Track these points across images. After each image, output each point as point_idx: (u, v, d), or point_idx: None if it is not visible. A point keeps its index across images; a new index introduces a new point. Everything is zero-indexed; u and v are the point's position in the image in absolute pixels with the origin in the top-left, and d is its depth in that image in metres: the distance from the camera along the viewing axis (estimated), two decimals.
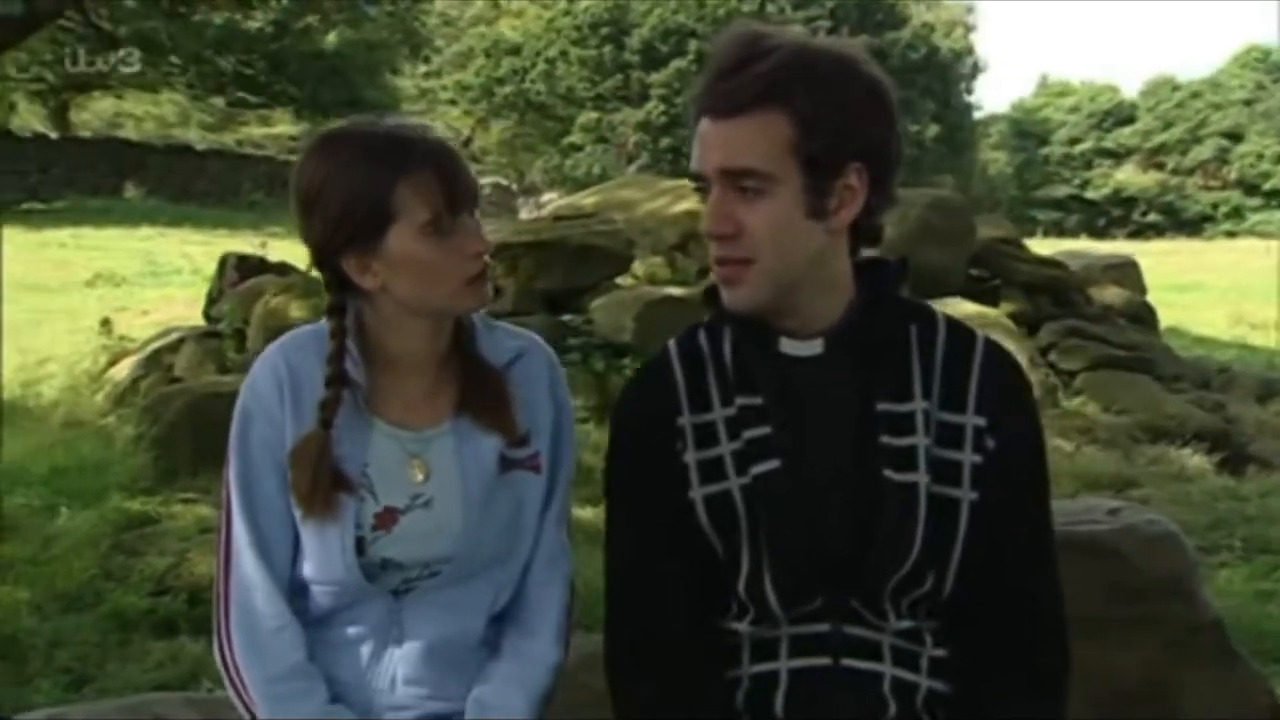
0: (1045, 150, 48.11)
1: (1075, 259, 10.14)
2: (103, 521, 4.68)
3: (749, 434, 1.58)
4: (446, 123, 40.32)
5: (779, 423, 1.58)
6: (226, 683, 1.67)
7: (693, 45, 34.35)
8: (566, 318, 6.78)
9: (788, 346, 1.60)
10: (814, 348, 1.60)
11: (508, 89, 35.97)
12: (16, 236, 14.50)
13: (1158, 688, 2.79)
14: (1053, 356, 7.66)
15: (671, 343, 1.69)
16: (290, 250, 6.27)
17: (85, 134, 25.28)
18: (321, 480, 1.63)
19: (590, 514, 3.42)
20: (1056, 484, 5.68)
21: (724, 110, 1.49)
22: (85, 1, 18.41)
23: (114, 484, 5.16)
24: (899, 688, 1.58)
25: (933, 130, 36.48)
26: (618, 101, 35.35)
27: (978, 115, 44.35)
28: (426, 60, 27.52)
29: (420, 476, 1.69)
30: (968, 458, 1.58)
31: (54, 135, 23.84)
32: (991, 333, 7.16)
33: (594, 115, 35.40)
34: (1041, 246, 11.18)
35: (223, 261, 7.15)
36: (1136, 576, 2.81)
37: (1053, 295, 8.23)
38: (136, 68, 21.95)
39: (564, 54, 35.38)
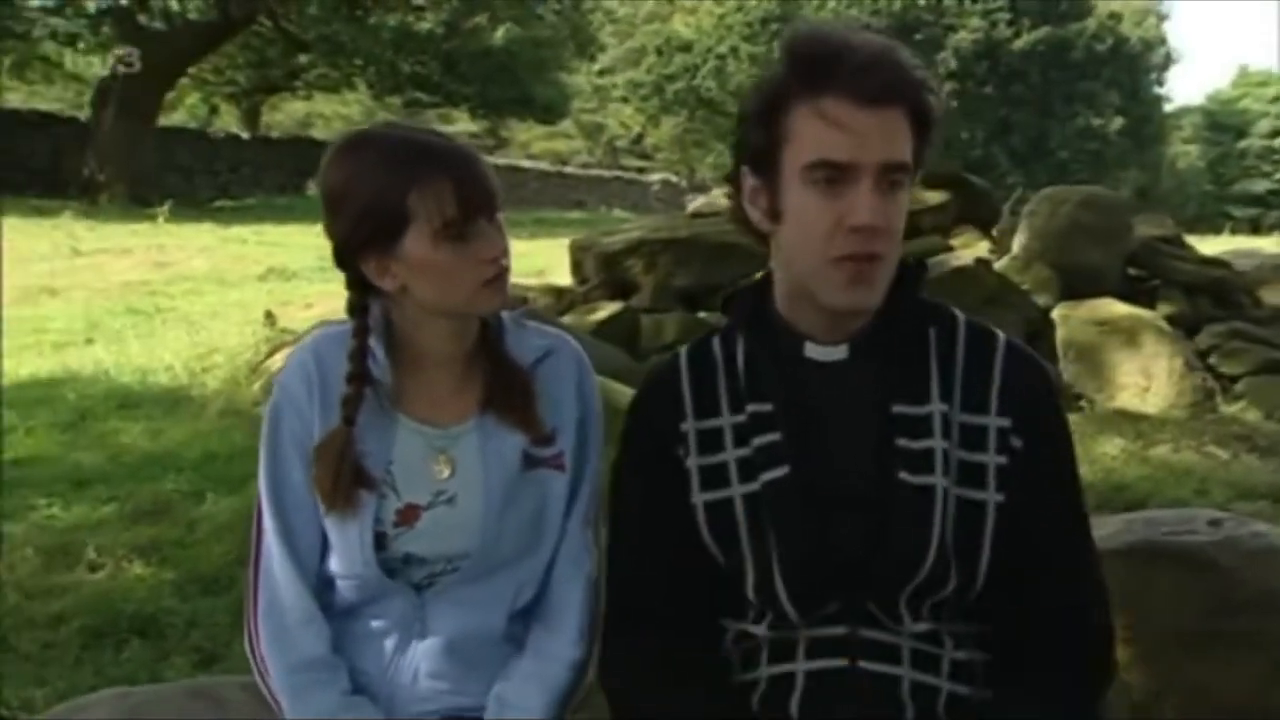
0: (1243, 144, 45.81)
1: (1248, 259, 9.64)
2: (245, 507, 4.88)
3: (759, 441, 1.59)
4: (620, 120, 40.81)
5: (790, 429, 1.58)
6: (255, 673, 1.73)
7: None
8: (703, 315, 6.79)
9: (813, 351, 1.60)
10: (839, 353, 1.60)
11: (679, 86, 36.09)
12: (205, 233, 15.28)
13: (1265, 709, 2.68)
14: (1212, 360, 7.31)
15: (682, 350, 1.71)
16: None
17: (274, 135, 26.45)
18: (344, 477, 1.66)
19: None
20: (1208, 493, 5.43)
21: (879, 99, 1.47)
22: (275, 7, 19.31)
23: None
24: (918, 691, 1.56)
25: (1117, 123, 35.11)
26: None
27: (1168, 107, 42.52)
28: (592, 59, 27.81)
29: (445, 473, 1.71)
30: (992, 459, 1.56)
31: (245, 136, 24.99)
32: (1144, 335, 6.93)
33: None
34: (1228, 244, 10.69)
35: None
36: (1239, 591, 2.69)
37: (1215, 296, 7.85)
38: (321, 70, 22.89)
39: (734, 50, 35.30)
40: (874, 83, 1.46)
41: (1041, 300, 7.41)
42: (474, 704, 1.72)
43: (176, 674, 3.46)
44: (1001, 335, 1.65)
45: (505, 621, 1.75)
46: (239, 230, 15.13)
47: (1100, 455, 6.02)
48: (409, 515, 1.70)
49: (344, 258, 1.68)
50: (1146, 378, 6.94)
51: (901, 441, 1.55)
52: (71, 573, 4.29)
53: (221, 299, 10.25)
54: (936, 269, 7.16)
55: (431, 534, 1.70)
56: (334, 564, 1.72)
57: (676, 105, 36.78)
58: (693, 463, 1.61)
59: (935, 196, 8.05)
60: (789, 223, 1.54)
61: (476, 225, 1.64)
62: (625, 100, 38.42)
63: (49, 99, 24.16)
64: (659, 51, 36.86)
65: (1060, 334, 7.21)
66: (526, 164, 32.33)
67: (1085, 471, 5.59)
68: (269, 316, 8.36)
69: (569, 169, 34.40)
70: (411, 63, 22.06)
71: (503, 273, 1.68)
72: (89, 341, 8.60)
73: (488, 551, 1.71)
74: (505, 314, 1.79)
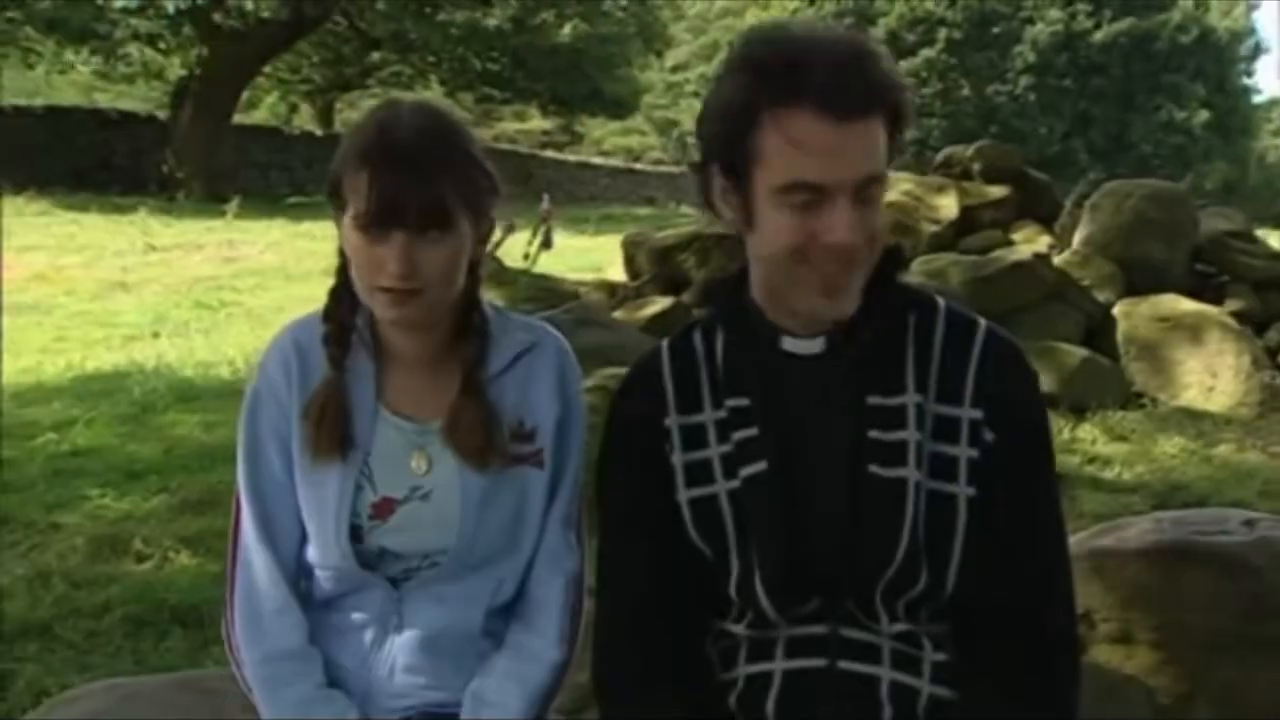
0: None
1: None
2: None
3: (738, 436, 1.56)
4: (693, 115, 40.54)
5: (767, 424, 1.55)
6: (231, 663, 1.72)
7: (942, 34, 33.47)
8: None
9: (790, 345, 1.57)
10: (816, 346, 1.56)
11: None
12: (275, 228, 15.54)
13: None
14: None
15: (664, 343, 1.67)
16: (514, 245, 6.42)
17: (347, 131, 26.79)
18: (328, 416, 1.65)
19: None
20: (1272, 495, 5.27)
21: (852, 113, 1.40)
22: (347, 5, 19.56)
23: None
24: (897, 692, 1.53)
25: (1202, 116, 34.32)
26: None
27: (1257, 100, 41.48)
28: (659, 54, 27.78)
29: (423, 468, 1.69)
30: (964, 452, 1.52)
31: (319, 133, 25.33)
32: (1209, 332, 6.78)
33: None
34: None
35: None
36: (1272, 593, 2.62)
37: None
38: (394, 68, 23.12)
39: None
40: (844, 96, 1.39)
41: (1103, 296, 7.26)
42: (450, 700, 1.71)
43: (215, 664, 3.49)
44: (983, 323, 1.60)
45: (483, 618, 1.73)
46: (309, 226, 15.31)
47: (1160, 454, 5.90)
48: (383, 509, 1.69)
49: (331, 204, 1.64)
50: (1211, 375, 6.77)
51: (874, 434, 1.52)
52: (119, 563, 4.36)
53: (286, 293, 10.39)
54: (993, 264, 7.05)
55: (406, 529, 1.69)
56: (311, 553, 1.72)
57: None
58: (677, 459, 1.59)
59: (996, 191, 7.95)
60: (762, 233, 1.49)
61: (389, 232, 1.56)
62: (697, 95, 38.37)
63: (134, 98, 24.69)
64: (731, 46, 36.72)
65: (1122, 330, 7.06)
66: (597, 160, 32.43)
67: (1142, 470, 5.58)
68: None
69: (639, 165, 34.44)
70: (482, 59, 22.20)
71: (402, 292, 1.59)
72: (155, 335, 8.77)
73: (466, 549, 1.69)
74: (489, 309, 1.76)
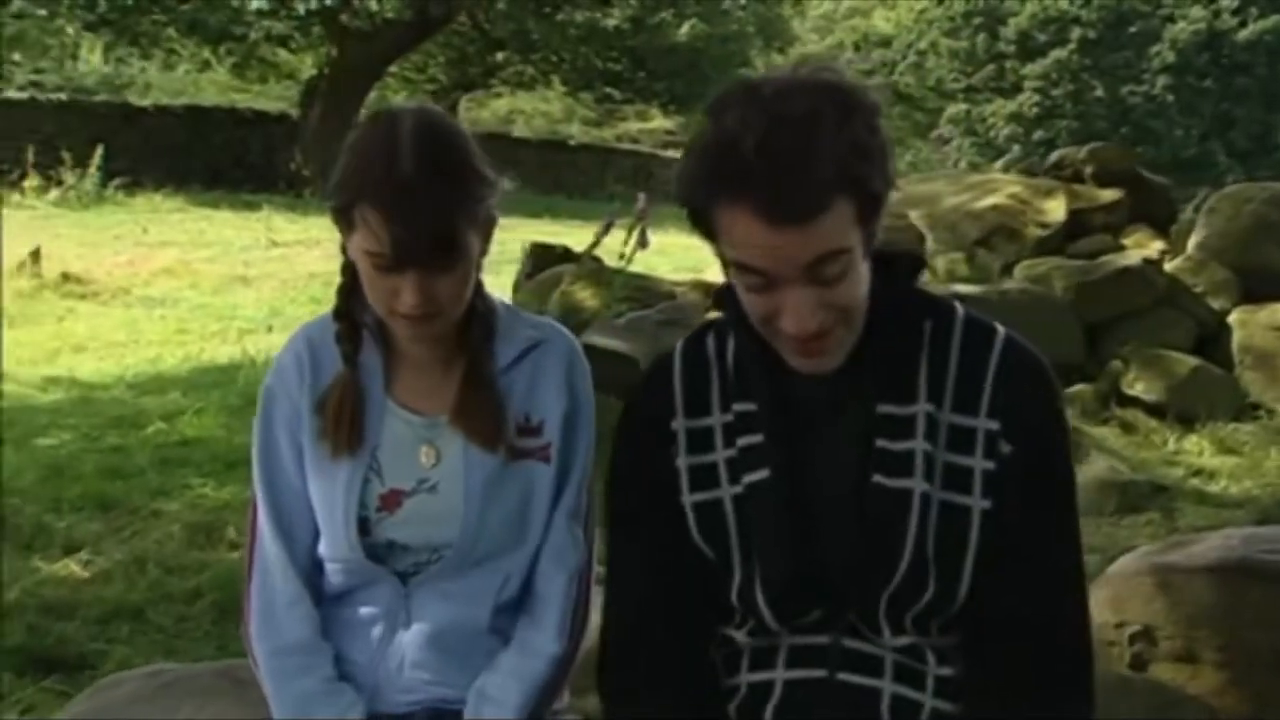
0: None
1: None
2: None
3: (743, 441, 1.55)
4: None
5: (772, 430, 1.54)
6: (248, 654, 1.76)
7: (1075, 33, 32.65)
8: None
9: None
10: None
11: (876, 81, 35.50)
12: None
13: None
14: None
15: (678, 344, 1.67)
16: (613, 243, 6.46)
17: (472, 130, 27.21)
18: (346, 409, 1.68)
19: None
20: None
21: (791, 219, 1.36)
22: (470, 5, 19.87)
23: None
24: (899, 706, 1.51)
25: None
26: (989, 93, 34.17)
27: None
28: (781, 51, 27.55)
29: (430, 461, 1.72)
30: (979, 464, 1.50)
31: None
32: None
33: (963, 107, 34.39)
34: None
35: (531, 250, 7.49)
36: None
37: None
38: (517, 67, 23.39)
39: (934, 45, 34.58)
40: (782, 207, 1.34)
41: (1217, 303, 7.01)
42: (457, 695, 1.72)
43: None
44: (1002, 331, 1.57)
45: (490, 613, 1.74)
46: None
47: (1270, 468, 5.70)
48: (391, 501, 1.71)
49: (334, 217, 1.66)
50: None
51: (881, 442, 1.50)
52: (212, 550, 4.52)
53: None
54: (1100, 270, 6.87)
55: (414, 521, 1.71)
56: (322, 548, 1.75)
57: None
58: (682, 462, 1.58)
59: (1108, 194, 7.73)
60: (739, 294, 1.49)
61: (402, 268, 1.58)
62: None
63: (273, 98, 25.41)
64: (856, 47, 36.38)
65: (1237, 339, 6.81)
66: None
67: (1250, 485, 5.38)
68: None
69: None
70: (602, 59, 22.32)
71: (417, 318, 1.62)
72: (269, 329, 9.00)
73: (469, 543, 1.71)
74: (498, 306, 1.78)
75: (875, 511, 1.49)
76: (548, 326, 1.81)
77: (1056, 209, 7.61)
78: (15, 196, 15.92)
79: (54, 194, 15.81)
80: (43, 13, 20.03)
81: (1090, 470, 5.11)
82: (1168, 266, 7.18)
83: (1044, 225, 7.54)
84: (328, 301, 1.77)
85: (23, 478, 5.35)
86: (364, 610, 1.75)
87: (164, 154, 19.25)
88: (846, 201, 1.37)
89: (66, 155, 15.45)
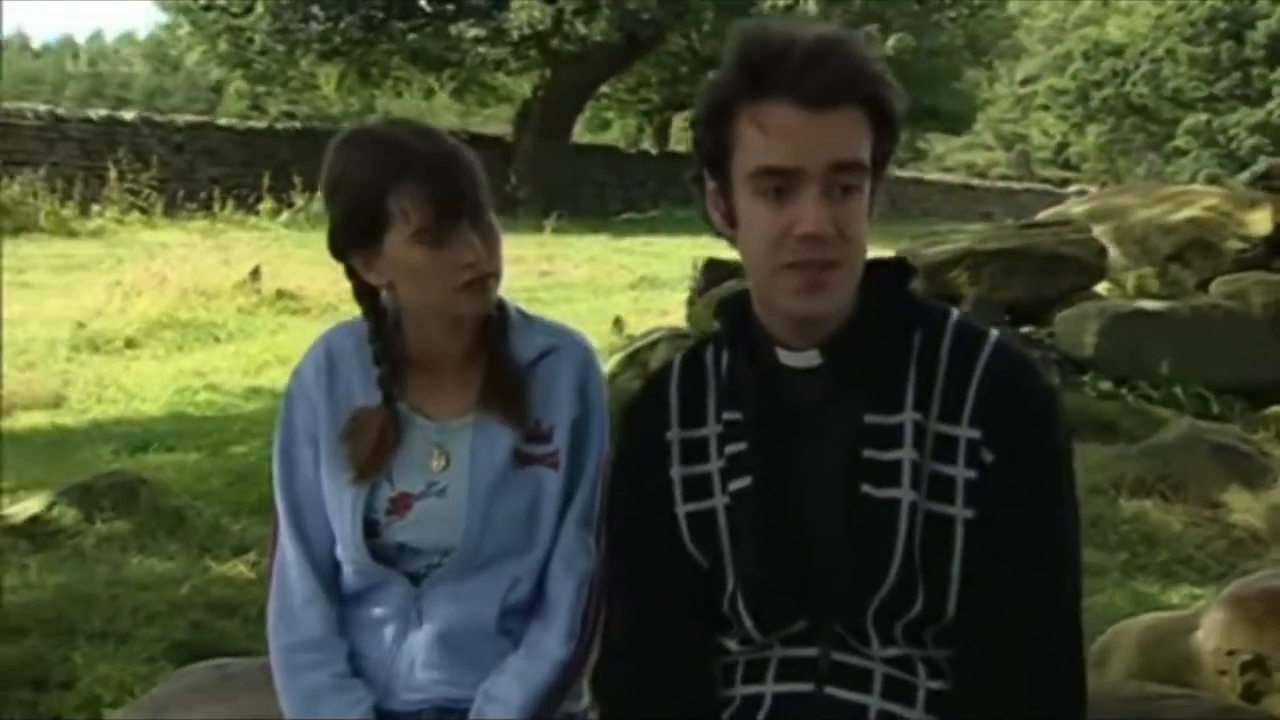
0: None
1: None
2: None
3: (730, 450, 1.55)
4: (1041, 129, 39.21)
5: (756, 439, 1.52)
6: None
7: None
8: (1026, 330, 6.44)
9: (787, 358, 1.53)
10: (811, 358, 1.52)
11: (1106, 92, 34.15)
12: (598, 244, 16.16)
13: None
14: None
15: (678, 356, 1.67)
16: None
17: (680, 149, 27.48)
18: (382, 450, 1.72)
19: None
20: None
21: (823, 101, 1.41)
22: (675, 25, 20.09)
23: None
24: None
25: None
26: (1233, 101, 32.34)
27: None
28: (988, 66, 26.75)
29: (440, 465, 1.75)
30: (961, 473, 1.46)
31: (654, 152, 26.12)
32: None
33: (1202, 117, 32.67)
34: None
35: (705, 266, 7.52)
36: None
37: None
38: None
39: (1171, 52, 32.96)
40: (815, 83, 1.40)
41: None
42: (466, 696, 1.74)
43: None
44: (993, 337, 1.51)
45: (497, 615, 1.76)
46: (630, 241, 15.87)
47: None
48: (400, 504, 1.74)
49: (335, 250, 1.74)
50: None
51: (868, 452, 1.47)
52: None
53: (589, 306, 10.78)
54: None
55: (422, 524, 1.74)
56: (339, 549, 1.79)
57: (1103, 113, 34.81)
58: (676, 473, 1.58)
59: None
60: (742, 229, 1.49)
61: (454, 230, 1.65)
62: (1047, 108, 36.82)
63: (503, 120, 26.32)
64: (1086, 56, 35.05)
65: None
66: (932, 176, 31.73)
67: None
68: (617, 323, 8.74)
69: (976, 181, 33.39)
70: None
71: (482, 278, 1.68)
72: None
73: (473, 546, 1.73)
74: (513, 310, 1.80)
75: (863, 521, 1.47)
76: (563, 332, 1.82)
77: (1261, 221, 7.14)
78: (251, 219, 17.00)
79: (285, 216, 16.77)
80: (282, 48, 21.32)
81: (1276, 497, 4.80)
82: None
83: (1245, 239, 7.09)
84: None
85: (209, 482, 5.67)
86: (377, 610, 1.79)
87: None
88: (865, 114, 1.43)
89: (298, 179, 16.33)
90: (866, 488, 1.46)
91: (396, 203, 1.64)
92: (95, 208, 16.08)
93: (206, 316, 9.93)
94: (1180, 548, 4.64)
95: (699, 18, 19.83)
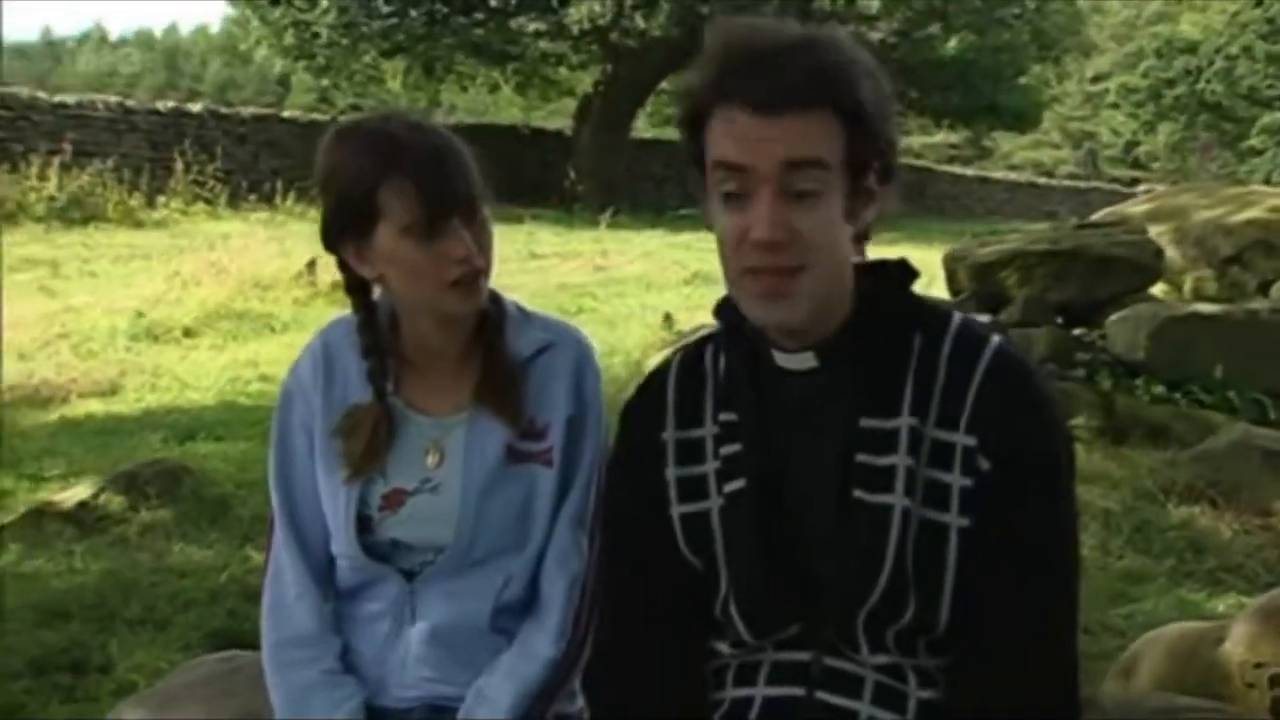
0: None
1: None
2: None
3: (725, 451, 1.53)
4: (1111, 127, 38.54)
5: (751, 441, 1.51)
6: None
7: None
8: (1078, 332, 6.33)
9: (782, 360, 1.52)
10: (806, 360, 1.50)
11: (1179, 90, 33.48)
12: (654, 239, 16.14)
13: None
14: None
15: (677, 356, 1.66)
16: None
17: None
18: (377, 445, 1.73)
19: None
20: None
21: (771, 106, 1.39)
22: None
23: None
24: None
25: None
26: None
27: None
28: (1055, 62, 26.33)
29: (434, 462, 1.75)
30: (956, 480, 1.43)
31: None
32: None
33: (1278, 116, 31.96)
34: None
35: None
36: None
37: None
38: None
39: (1247, 50, 32.23)
40: (762, 90, 1.38)
41: None
42: (459, 694, 1.75)
43: None
44: (994, 342, 1.48)
45: (490, 613, 1.76)
46: (686, 237, 15.80)
47: None
48: (394, 500, 1.75)
49: (326, 242, 1.74)
50: None
51: (862, 457, 1.45)
52: None
53: (642, 301, 10.76)
54: None
55: (415, 520, 1.74)
56: (333, 544, 1.80)
57: (1175, 111, 34.15)
58: (671, 474, 1.57)
59: None
60: (716, 232, 1.47)
61: (444, 226, 1.65)
62: (1116, 106, 36.17)
63: (567, 114, 26.42)
64: (1158, 54, 34.38)
65: None
66: (997, 175, 31.37)
67: None
68: (667, 318, 8.72)
69: (1041, 179, 32.93)
70: None
71: (472, 274, 1.68)
72: None
73: (465, 543, 1.73)
74: (510, 306, 1.80)
75: (855, 526, 1.45)
76: (560, 329, 1.82)
77: None
78: (311, 211, 17.18)
79: None
80: (346, 42, 21.51)
81: None
82: None
83: None
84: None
85: (253, 471, 5.70)
86: (372, 606, 1.79)
87: None
88: (829, 117, 1.40)
89: None
90: (859, 492, 1.45)
91: (387, 197, 1.64)
92: (161, 198, 16.30)
93: (262, 308, 10.02)
94: (1229, 555, 4.55)
95: (759, 13, 19.70)
